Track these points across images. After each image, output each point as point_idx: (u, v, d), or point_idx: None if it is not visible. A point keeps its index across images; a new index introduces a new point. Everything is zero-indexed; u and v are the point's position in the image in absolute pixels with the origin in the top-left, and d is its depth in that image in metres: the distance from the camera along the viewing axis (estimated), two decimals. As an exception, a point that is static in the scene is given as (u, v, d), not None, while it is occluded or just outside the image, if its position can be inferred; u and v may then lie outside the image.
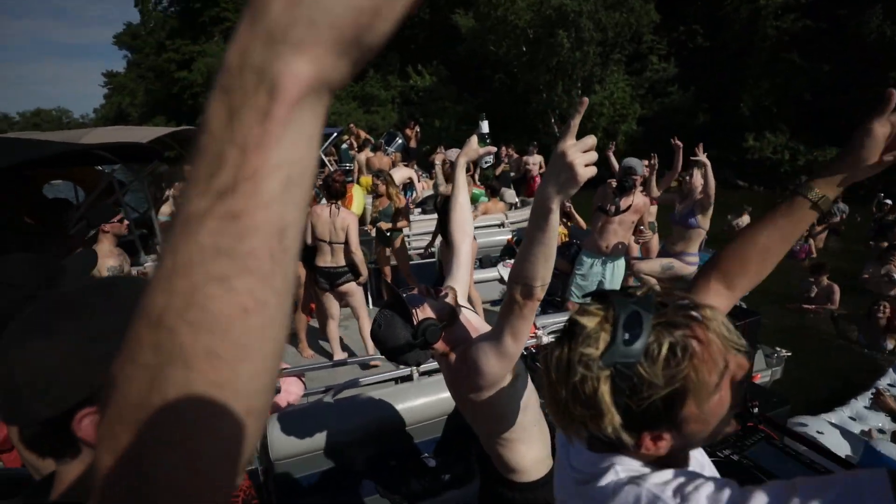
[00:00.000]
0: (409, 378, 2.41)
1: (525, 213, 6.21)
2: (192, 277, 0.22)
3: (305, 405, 2.36)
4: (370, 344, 3.07)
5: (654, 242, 4.61)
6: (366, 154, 7.45)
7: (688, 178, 3.86)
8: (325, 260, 3.47)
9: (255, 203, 0.22)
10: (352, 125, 10.00)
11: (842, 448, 3.02)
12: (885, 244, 6.83)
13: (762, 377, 3.97)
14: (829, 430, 3.19)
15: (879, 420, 3.47)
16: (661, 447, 0.65)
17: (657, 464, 0.67)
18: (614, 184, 3.72)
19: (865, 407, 3.60)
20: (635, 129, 17.90)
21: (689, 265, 3.97)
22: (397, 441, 2.24)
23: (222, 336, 0.22)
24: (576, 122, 0.85)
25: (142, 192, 4.87)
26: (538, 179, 10.31)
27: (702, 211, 3.80)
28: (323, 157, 7.67)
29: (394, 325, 1.22)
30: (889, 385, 3.72)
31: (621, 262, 3.89)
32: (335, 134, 8.01)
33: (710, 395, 0.62)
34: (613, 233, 3.74)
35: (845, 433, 3.18)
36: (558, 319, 3.11)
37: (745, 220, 9.64)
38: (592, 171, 0.85)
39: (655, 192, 4.62)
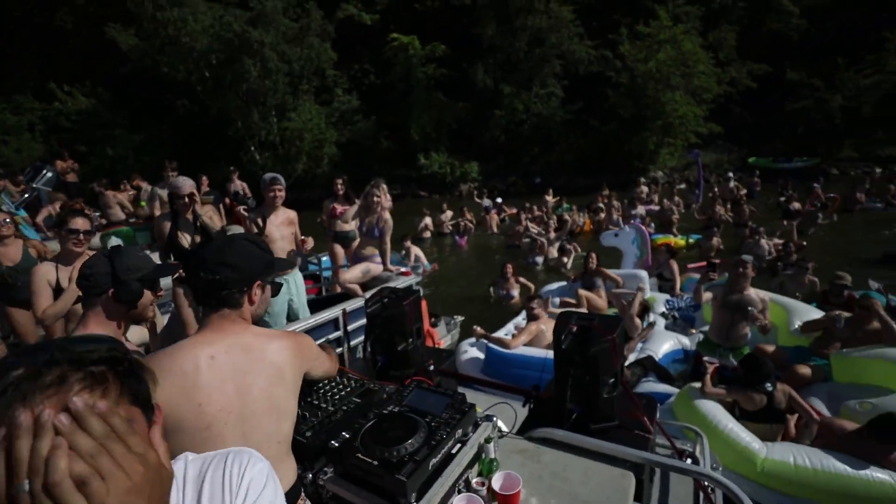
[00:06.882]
0: None
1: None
2: None
3: None
4: None
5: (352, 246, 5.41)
6: None
7: (373, 199, 4.59)
8: None
9: None
10: None
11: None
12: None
13: (445, 342, 5.12)
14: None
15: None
16: None
17: None
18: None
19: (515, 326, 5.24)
20: (335, 153, 19.62)
21: (378, 265, 4.77)
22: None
23: None
24: None
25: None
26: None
27: (385, 224, 4.71)
28: None
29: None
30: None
31: (297, 274, 4.18)
32: None
33: None
34: (281, 249, 3.97)
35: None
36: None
37: (427, 220, 12.27)
38: None
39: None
